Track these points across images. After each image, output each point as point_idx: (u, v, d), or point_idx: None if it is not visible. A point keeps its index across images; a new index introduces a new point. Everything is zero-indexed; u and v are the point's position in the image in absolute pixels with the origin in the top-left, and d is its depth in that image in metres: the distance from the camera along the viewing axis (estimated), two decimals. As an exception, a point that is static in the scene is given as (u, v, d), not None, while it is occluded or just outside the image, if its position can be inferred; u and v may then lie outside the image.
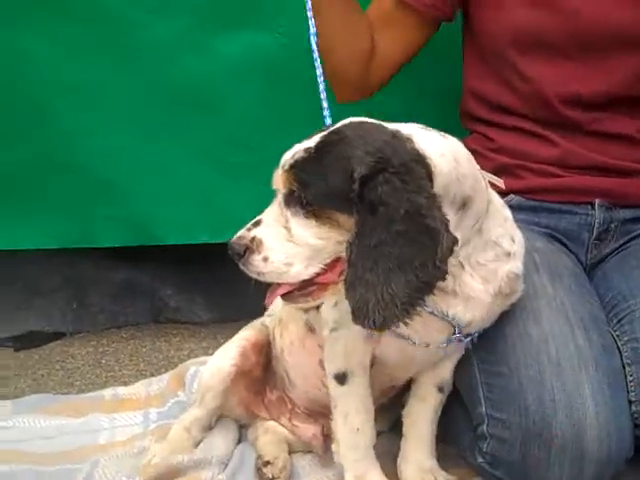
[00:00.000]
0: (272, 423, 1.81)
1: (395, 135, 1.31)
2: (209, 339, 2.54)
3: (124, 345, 2.53)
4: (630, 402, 1.50)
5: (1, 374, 2.37)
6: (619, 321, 1.63)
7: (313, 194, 1.29)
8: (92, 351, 2.52)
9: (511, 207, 1.82)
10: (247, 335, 1.79)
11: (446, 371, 1.62)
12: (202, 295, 2.69)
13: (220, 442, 1.79)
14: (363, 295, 1.25)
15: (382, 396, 1.68)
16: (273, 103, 2.36)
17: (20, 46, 2.32)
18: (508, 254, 1.46)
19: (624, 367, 1.54)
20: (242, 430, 1.86)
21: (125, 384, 2.24)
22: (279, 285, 1.35)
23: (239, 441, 1.84)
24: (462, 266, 1.41)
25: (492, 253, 1.43)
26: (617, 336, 1.60)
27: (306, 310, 1.60)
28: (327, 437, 1.74)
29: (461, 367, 1.62)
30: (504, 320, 1.56)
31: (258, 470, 1.70)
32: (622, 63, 1.74)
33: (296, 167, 1.31)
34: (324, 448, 1.75)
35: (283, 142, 2.34)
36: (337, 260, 1.31)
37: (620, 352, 1.56)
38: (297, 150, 1.33)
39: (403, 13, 1.86)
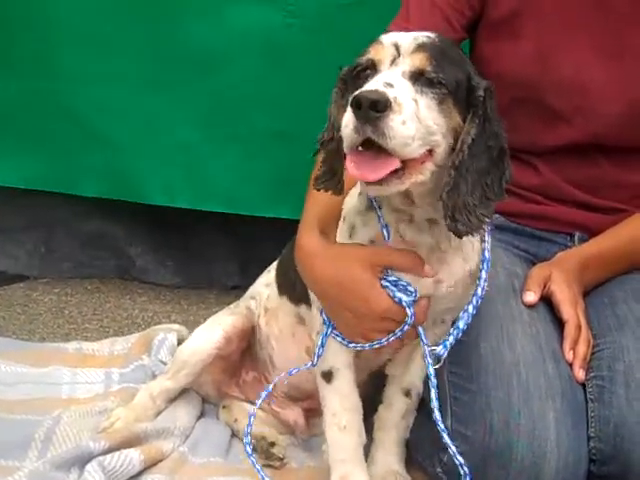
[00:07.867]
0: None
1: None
2: (173, 303, 2.54)
3: (88, 297, 2.52)
4: (589, 438, 1.53)
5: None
6: (587, 357, 1.65)
7: (447, 79, 1.26)
8: (55, 299, 2.50)
9: (494, 226, 1.88)
10: (234, 321, 1.79)
11: (414, 376, 1.63)
12: (171, 258, 2.68)
13: (183, 414, 1.82)
14: (457, 200, 1.29)
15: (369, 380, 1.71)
16: (270, 80, 2.35)
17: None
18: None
19: (587, 402, 1.57)
20: (204, 405, 1.89)
21: (87, 339, 2.24)
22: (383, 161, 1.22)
23: (201, 415, 1.87)
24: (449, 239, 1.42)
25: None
26: (583, 370, 1.63)
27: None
28: (309, 422, 1.79)
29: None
30: (479, 338, 1.60)
31: (265, 451, 1.71)
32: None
33: (428, 49, 1.27)
34: (306, 433, 1.81)
35: (275, 119, 2.37)
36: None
37: (584, 387, 1.59)
38: (415, 35, 1.29)
39: None
